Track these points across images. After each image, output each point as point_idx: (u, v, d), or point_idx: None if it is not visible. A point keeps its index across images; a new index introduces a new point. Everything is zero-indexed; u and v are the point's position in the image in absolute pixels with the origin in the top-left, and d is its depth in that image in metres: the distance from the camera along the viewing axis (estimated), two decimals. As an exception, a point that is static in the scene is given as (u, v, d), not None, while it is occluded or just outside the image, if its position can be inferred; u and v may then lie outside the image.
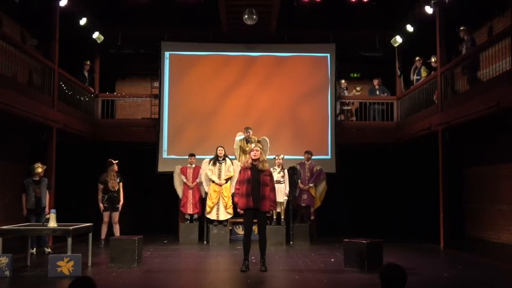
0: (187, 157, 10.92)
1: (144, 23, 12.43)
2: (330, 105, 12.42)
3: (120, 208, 9.56)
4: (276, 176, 9.65)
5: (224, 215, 10.25)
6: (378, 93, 12.94)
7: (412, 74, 11.97)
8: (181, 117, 12.36)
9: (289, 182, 10.21)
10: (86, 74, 12.20)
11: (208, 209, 10.25)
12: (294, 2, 11.36)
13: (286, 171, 10.26)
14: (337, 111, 12.64)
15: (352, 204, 12.69)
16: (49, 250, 8.49)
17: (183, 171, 10.82)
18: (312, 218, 11.07)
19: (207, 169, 10.38)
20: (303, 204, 10.68)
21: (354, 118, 13.18)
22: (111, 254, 7.17)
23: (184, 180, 10.75)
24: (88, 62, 12.27)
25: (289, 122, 12.35)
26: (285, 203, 10.23)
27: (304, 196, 10.65)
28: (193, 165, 10.83)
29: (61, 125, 10.10)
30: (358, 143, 12.48)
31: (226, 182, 10.33)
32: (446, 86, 10.08)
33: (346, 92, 13.11)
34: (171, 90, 12.45)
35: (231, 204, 10.00)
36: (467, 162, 11.81)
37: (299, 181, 10.60)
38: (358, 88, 13.19)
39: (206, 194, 10.45)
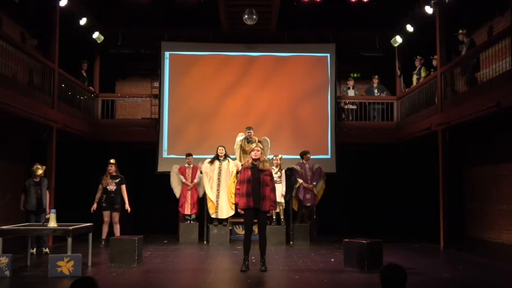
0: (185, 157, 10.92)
1: (144, 23, 12.43)
2: (330, 105, 12.43)
3: (128, 209, 9.49)
4: (274, 176, 9.62)
5: (226, 213, 10.20)
6: (376, 91, 12.93)
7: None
8: (181, 117, 12.36)
9: (286, 183, 10.19)
10: (84, 73, 12.20)
11: (211, 210, 10.25)
12: (294, 2, 11.35)
13: (284, 171, 10.24)
14: (340, 111, 12.65)
15: (352, 204, 12.68)
16: (46, 250, 8.48)
17: (182, 172, 10.80)
18: (314, 216, 11.05)
19: (203, 167, 10.40)
20: (308, 204, 10.67)
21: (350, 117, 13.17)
22: (111, 254, 7.17)
23: (184, 180, 10.74)
24: (85, 62, 12.26)
25: (289, 122, 12.35)
26: (283, 203, 10.20)
27: (308, 196, 10.62)
28: (191, 165, 10.81)
29: (61, 125, 10.10)
30: (358, 143, 12.48)
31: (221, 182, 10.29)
32: (446, 86, 10.08)
33: (349, 91, 13.08)
34: (171, 90, 12.45)
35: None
36: (467, 162, 11.81)
37: (301, 181, 10.57)
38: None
39: (204, 193, 10.46)
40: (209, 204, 10.28)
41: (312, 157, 11.00)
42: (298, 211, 10.69)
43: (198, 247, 9.80)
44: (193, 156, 11.00)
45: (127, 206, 9.48)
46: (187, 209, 10.66)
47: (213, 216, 10.26)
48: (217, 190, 10.29)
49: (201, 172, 10.58)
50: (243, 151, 10.59)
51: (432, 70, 11.16)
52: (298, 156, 10.97)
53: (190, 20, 12.25)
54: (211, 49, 12.66)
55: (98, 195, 9.51)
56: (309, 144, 11.56)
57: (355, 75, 13.88)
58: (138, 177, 12.29)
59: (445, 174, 9.94)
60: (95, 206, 9.44)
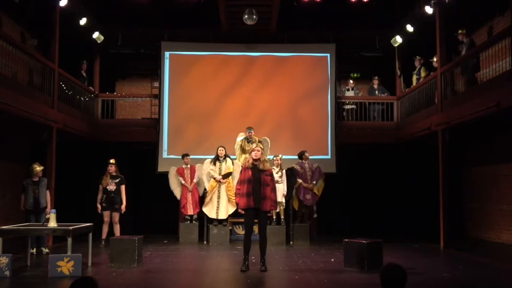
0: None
1: (144, 23, 12.43)
2: (330, 105, 12.43)
3: (123, 209, 9.50)
4: (274, 176, 9.61)
5: (224, 213, 10.21)
6: (377, 93, 12.94)
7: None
8: (181, 117, 12.36)
9: (287, 183, 10.19)
10: (84, 73, 12.21)
11: (205, 204, 10.28)
12: (294, 2, 11.35)
13: (284, 171, 10.24)
14: (340, 111, 12.66)
15: (352, 204, 12.68)
16: (47, 250, 8.48)
17: (180, 173, 10.79)
18: (315, 215, 11.05)
19: (209, 169, 10.39)
20: (309, 204, 10.67)
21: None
22: (111, 254, 7.17)
23: (183, 182, 10.73)
24: (84, 62, 12.26)
25: (289, 122, 12.35)
26: (284, 203, 10.20)
27: (308, 196, 10.61)
28: (189, 165, 10.81)
29: (61, 125, 10.10)
30: (358, 143, 12.48)
31: (226, 178, 10.27)
32: (446, 86, 10.08)
33: (347, 92, 13.08)
34: (171, 90, 12.45)
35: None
36: (467, 162, 11.82)
37: (301, 181, 10.57)
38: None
39: (205, 191, 10.47)
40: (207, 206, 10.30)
41: (312, 157, 11.01)
42: (299, 210, 10.69)
43: (198, 247, 9.80)
44: (194, 157, 11.01)
45: (123, 207, 9.49)
46: (190, 210, 10.65)
47: (210, 215, 10.27)
48: (218, 191, 10.29)
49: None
50: (243, 151, 10.60)
51: (431, 72, 11.16)
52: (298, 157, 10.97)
53: (190, 20, 12.25)
54: (211, 49, 12.66)
55: (100, 196, 9.52)
56: (309, 144, 11.57)
57: (355, 75, 13.88)
58: (138, 177, 12.29)
59: (445, 174, 9.94)
60: (99, 207, 9.47)
